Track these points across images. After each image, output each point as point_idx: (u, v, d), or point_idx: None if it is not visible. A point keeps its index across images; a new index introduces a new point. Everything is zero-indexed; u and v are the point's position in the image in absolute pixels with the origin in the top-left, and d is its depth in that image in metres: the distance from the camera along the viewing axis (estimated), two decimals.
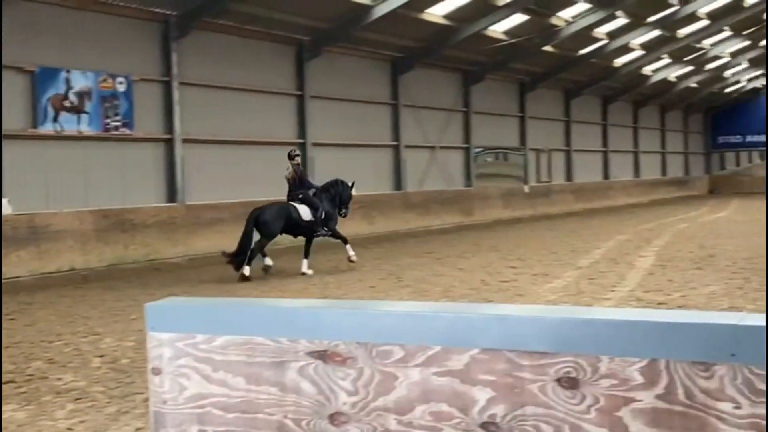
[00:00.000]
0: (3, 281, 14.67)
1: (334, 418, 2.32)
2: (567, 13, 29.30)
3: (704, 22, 35.07)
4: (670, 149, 50.36)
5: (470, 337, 2.18)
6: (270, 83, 23.27)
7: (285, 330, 2.39)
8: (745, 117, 53.34)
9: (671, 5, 31.54)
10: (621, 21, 31.69)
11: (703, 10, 33.39)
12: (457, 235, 24.75)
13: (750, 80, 50.31)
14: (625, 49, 35.33)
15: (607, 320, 2.12)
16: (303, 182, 16.26)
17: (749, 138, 53.72)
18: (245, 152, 22.47)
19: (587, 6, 28.84)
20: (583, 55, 34.00)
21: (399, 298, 12.42)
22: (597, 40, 33.01)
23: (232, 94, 22.08)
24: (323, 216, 15.96)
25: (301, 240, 16.30)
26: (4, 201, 16.46)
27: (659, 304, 10.97)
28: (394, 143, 28.06)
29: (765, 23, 35.79)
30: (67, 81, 18.00)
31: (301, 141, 24.11)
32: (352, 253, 16.03)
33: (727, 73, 46.66)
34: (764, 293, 11.44)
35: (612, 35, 33.00)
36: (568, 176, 39.28)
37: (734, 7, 33.97)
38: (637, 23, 32.27)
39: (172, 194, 20.35)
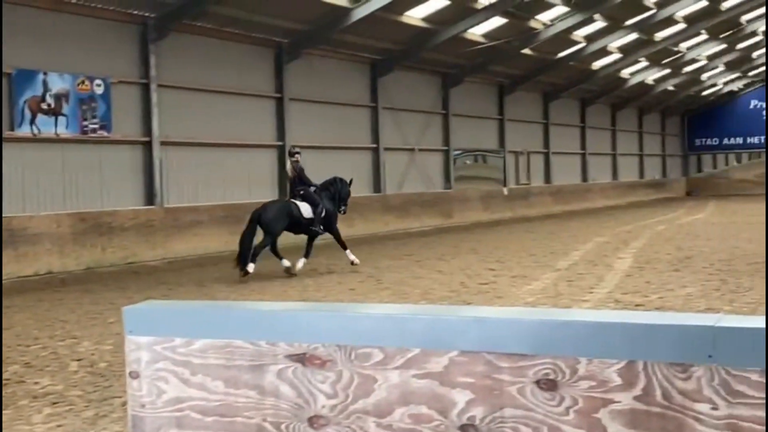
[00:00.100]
0: None
1: (313, 421, 2.32)
2: (545, 16, 29.42)
3: (681, 26, 35.32)
4: (647, 152, 50.65)
5: (449, 339, 2.18)
6: (249, 85, 23.22)
7: (264, 333, 2.38)
8: (722, 120, 53.75)
9: (648, 8, 31.73)
10: (599, 24, 31.86)
11: (679, 14, 33.62)
12: (436, 237, 24.78)
13: (726, 83, 50.69)
14: (603, 52, 35.52)
15: (586, 322, 2.13)
16: (302, 180, 16.25)
17: (726, 141, 54.15)
18: (224, 154, 22.41)
19: (565, 9, 28.97)
20: (562, 58, 34.15)
21: (378, 300, 12.42)
22: (575, 43, 33.16)
23: (211, 96, 22.02)
24: (323, 213, 15.99)
25: (298, 240, 16.26)
26: None
27: (637, 305, 11.03)
28: (374, 145, 28.07)
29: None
30: (45, 83, 17.88)
31: (280, 143, 24.08)
32: (353, 257, 16.04)
33: (704, 76, 47.00)
34: (741, 295, 11.53)
35: (590, 38, 33.17)
36: (547, 178, 39.43)
37: (710, 11, 34.24)
38: (614, 26, 32.45)
39: (150, 197, 20.26)
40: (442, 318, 2.27)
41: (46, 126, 17.91)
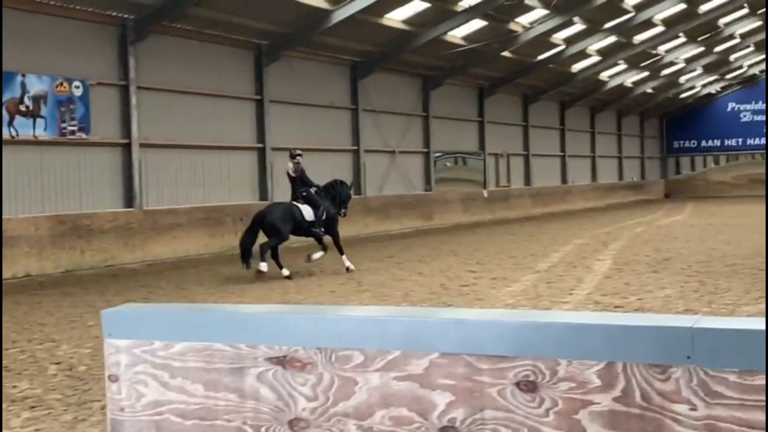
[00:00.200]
0: None
1: (293, 423, 2.32)
2: (525, 19, 29.52)
3: (659, 29, 35.53)
4: (626, 154, 50.91)
5: (430, 341, 2.19)
6: (229, 87, 23.16)
7: (244, 336, 2.38)
8: (700, 122, 54.13)
9: (627, 12, 31.90)
10: (578, 27, 32.00)
11: (658, 17, 33.84)
12: (416, 239, 24.80)
13: (704, 86, 51.04)
14: (582, 54, 35.68)
15: (565, 324, 2.14)
16: (304, 181, 16.28)
17: (704, 143, 54.52)
18: (204, 157, 22.33)
19: (545, 12, 29.08)
20: (541, 60, 34.27)
21: (359, 302, 12.41)
22: (554, 45, 33.29)
23: (191, 98, 21.95)
24: (324, 216, 16.05)
25: (293, 241, 16.32)
26: None
27: (616, 307, 11.08)
28: (354, 148, 28.07)
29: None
30: (23, 85, 17.76)
31: (260, 145, 24.04)
32: (348, 263, 16.07)
33: (682, 79, 47.30)
34: (719, 296, 11.61)
35: (569, 41, 33.30)
36: (527, 181, 39.55)
37: (689, 14, 34.46)
38: (593, 29, 32.61)
39: (129, 199, 20.16)
40: (423, 320, 2.27)
41: (24, 128, 17.78)
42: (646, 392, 1.99)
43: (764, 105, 52.05)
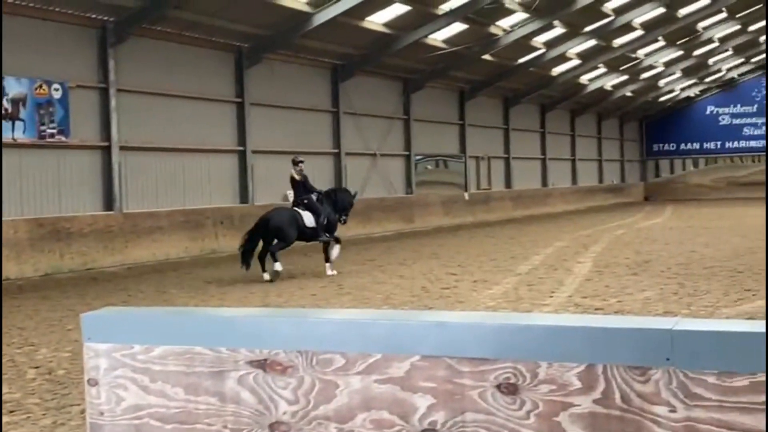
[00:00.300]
0: None
1: (274, 427, 2.31)
2: (505, 23, 29.61)
3: (639, 32, 35.73)
4: (606, 157, 51.15)
5: (411, 344, 2.19)
6: (209, 90, 23.09)
7: (224, 339, 2.37)
8: (679, 125, 54.45)
9: (607, 15, 32.07)
10: (558, 30, 32.13)
11: (637, 21, 34.02)
12: (398, 242, 24.81)
13: (683, 89, 51.36)
14: (563, 58, 35.83)
15: (546, 326, 2.14)
16: (306, 187, 16.33)
17: (683, 146, 54.86)
18: (184, 160, 22.25)
19: (525, 15, 29.18)
20: (522, 63, 34.39)
21: (340, 305, 12.40)
22: (535, 49, 33.42)
23: (171, 101, 21.87)
24: (325, 222, 16.11)
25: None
26: None
27: (596, 309, 11.13)
28: (335, 150, 28.06)
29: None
30: (2, 87, 17.64)
31: (240, 148, 23.98)
32: (331, 272, 16.06)
33: (661, 83, 47.58)
34: (698, 298, 11.68)
35: (549, 44, 33.43)
36: (508, 183, 39.65)
37: (668, 18, 34.68)
38: (573, 33, 32.76)
39: (109, 202, 20.06)
40: (404, 323, 2.27)
41: (2, 131, 17.65)
42: (626, 394, 2.00)
43: (743, 108, 52.51)
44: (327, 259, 16.15)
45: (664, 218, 33.61)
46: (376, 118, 29.98)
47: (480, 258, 18.67)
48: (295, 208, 16.17)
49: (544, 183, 43.22)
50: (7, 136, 17.76)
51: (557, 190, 43.97)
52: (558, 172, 44.64)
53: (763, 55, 47.86)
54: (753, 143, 52.74)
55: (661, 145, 55.58)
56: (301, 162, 16.67)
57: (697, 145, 54.25)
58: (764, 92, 51.15)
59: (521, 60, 34.12)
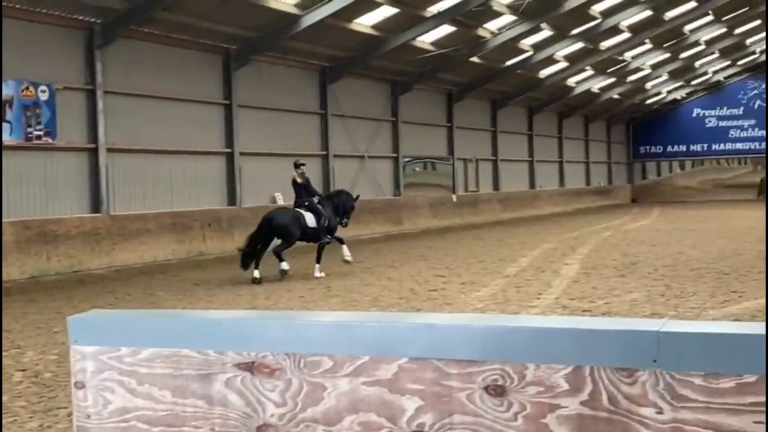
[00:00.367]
0: None
1: (261, 430, 2.31)
2: (493, 25, 29.67)
3: (626, 35, 35.86)
4: (593, 159, 51.29)
5: (398, 346, 2.19)
6: (197, 92, 23.04)
7: (212, 342, 2.36)
8: (666, 128, 54.65)
9: (594, 18, 32.17)
10: (546, 33, 32.21)
11: (624, 23, 34.15)
12: (386, 244, 24.80)
13: (670, 92, 51.56)
14: (550, 60, 35.93)
15: (533, 328, 2.15)
16: (308, 190, 16.44)
17: (669, 148, 55.06)
18: (172, 162, 22.20)
19: (513, 18, 29.23)
20: (509, 66, 34.46)
21: (328, 308, 12.38)
22: (522, 51, 33.49)
23: (158, 102, 21.81)
24: (327, 224, 16.23)
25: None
26: None
27: (584, 311, 11.15)
28: (323, 153, 28.04)
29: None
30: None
31: (228, 150, 23.94)
32: (319, 273, 16.03)
33: (648, 85, 47.75)
34: (685, 300, 11.72)
35: (537, 47, 33.51)
36: (495, 185, 39.71)
37: (655, 21, 34.81)
38: (561, 35, 32.85)
39: (96, 204, 19.99)
40: (392, 325, 2.27)
41: None
42: (614, 396, 2.01)
43: (729, 111, 52.73)
44: (318, 260, 16.16)
45: (651, 220, 33.72)
46: (364, 120, 29.99)
47: (468, 260, 18.68)
48: (297, 209, 16.25)
49: (532, 185, 43.31)
50: None
51: (545, 193, 44.06)
52: (545, 174, 44.73)
53: (749, 58, 48.20)
54: (739, 145, 53.01)
55: (648, 147, 55.77)
56: (303, 165, 16.81)
57: (683, 148, 54.46)
58: (750, 95, 51.45)
59: (509, 62, 34.20)
